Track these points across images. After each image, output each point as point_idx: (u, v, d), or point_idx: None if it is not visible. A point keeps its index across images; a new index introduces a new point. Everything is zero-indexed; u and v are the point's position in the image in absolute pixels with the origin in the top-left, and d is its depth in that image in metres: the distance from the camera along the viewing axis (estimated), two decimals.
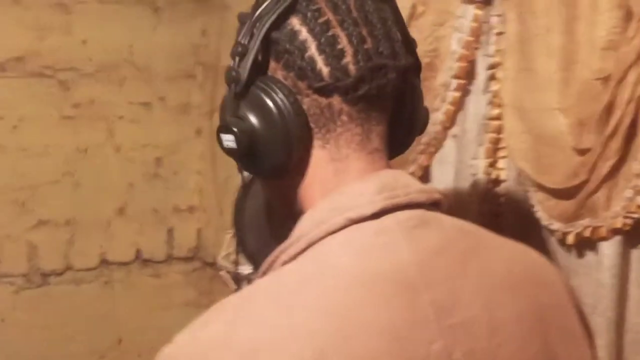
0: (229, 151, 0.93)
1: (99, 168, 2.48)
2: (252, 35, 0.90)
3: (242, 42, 0.90)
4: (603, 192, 1.29)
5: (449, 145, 1.56)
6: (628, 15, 1.24)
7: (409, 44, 0.96)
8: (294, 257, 0.87)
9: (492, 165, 1.51)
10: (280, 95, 0.89)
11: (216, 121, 2.60)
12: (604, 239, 1.30)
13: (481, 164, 1.51)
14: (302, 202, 0.93)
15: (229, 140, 0.91)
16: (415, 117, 0.99)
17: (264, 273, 0.90)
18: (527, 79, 1.39)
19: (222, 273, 1.43)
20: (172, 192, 2.61)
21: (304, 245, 0.86)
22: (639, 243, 1.28)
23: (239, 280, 1.40)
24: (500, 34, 1.45)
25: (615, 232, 1.29)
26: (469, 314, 0.84)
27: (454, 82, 1.51)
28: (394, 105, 0.95)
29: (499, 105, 1.47)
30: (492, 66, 1.48)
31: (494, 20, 1.47)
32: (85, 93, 2.45)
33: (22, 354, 2.41)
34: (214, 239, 2.55)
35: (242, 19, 0.93)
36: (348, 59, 0.88)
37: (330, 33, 0.88)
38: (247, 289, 0.87)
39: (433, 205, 0.90)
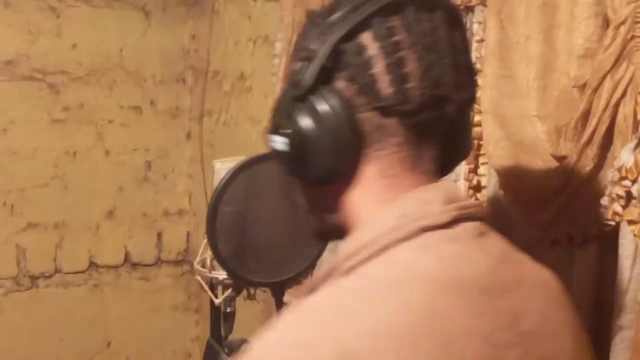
0: (277, 153, 0.92)
1: (89, 171, 2.49)
2: (321, 43, 0.88)
3: (311, 47, 0.88)
4: (579, 200, 1.29)
5: None
6: (605, 23, 1.24)
7: (472, 74, 0.97)
8: (362, 263, 0.85)
9: (473, 171, 1.51)
10: (338, 106, 0.88)
11: (206, 125, 2.62)
12: (581, 246, 1.30)
13: (462, 169, 1.51)
14: (350, 210, 0.92)
15: (279, 142, 0.91)
16: (462, 145, 1.00)
17: (325, 278, 0.88)
18: (506, 86, 1.39)
19: (198, 278, 1.43)
20: (161, 195, 2.62)
21: (375, 250, 0.85)
22: (615, 250, 1.26)
23: (214, 285, 1.40)
24: (480, 41, 1.45)
25: (591, 239, 1.29)
26: (534, 322, 0.87)
27: None
28: (446, 131, 0.95)
29: (480, 112, 1.45)
30: None
31: (475, 27, 1.47)
32: (75, 97, 2.46)
33: (10, 356, 2.42)
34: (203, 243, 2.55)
35: (311, 18, 0.92)
36: (413, 84, 0.87)
37: (399, 54, 0.87)
38: (329, 291, 0.84)
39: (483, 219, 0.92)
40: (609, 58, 1.20)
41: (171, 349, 2.69)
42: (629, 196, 1.22)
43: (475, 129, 1.48)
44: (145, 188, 2.59)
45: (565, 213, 1.31)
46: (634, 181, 1.20)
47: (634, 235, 1.21)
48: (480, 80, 1.45)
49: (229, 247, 1.25)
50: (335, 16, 0.88)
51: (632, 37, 1.18)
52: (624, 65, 1.19)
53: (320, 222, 0.96)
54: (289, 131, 0.89)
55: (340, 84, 0.88)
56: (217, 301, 1.40)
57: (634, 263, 1.23)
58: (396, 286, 0.82)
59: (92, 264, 2.54)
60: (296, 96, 0.89)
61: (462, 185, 1.51)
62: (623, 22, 1.18)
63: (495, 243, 0.90)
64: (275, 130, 0.91)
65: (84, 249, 2.52)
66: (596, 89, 1.22)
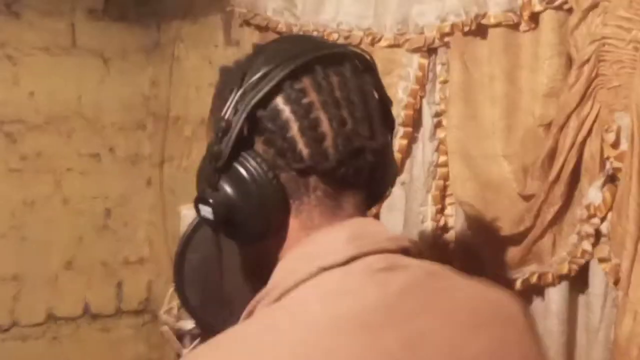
0: (206, 221, 0.94)
1: (47, 221, 2.44)
2: (236, 111, 0.91)
3: (227, 117, 0.90)
4: (548, 238, 1.29)
5: (398, 192, 1.54)
6: (568, 63, 1.26)
7: (386, 117, 0.98)
8: (266, 305, 0.88)
9: (440, 211, 1.50)
10: (259, 170, 0.90)
11: (167, 171, 2.59)
12: (551, 284, 1.30)
13: (429, 210, 1.51)
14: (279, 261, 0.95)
15: (206, 211, 0.93)
16: (385, 178, 1.01)
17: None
18: (471, 126, 1.40)
19: (164, 329, 1.39)
20: (121, 244, 2.58)
21: (277, 295, 0.87)
22: (586, 288, 1.27)
23: (182, 336, 1.36)
24: (445, 82, 1.46)
25: (561, 277, 1.29)
26: (434, 351, 0.85)
27: (401, 130, 1.51)
28: (368, 175, 0.96)
29: (446, 152, 1.46)
30: (438, 114, 1.48)
31: (439, 68, 1.48)
32: (33, 145, 2.42)
33: None
34: (165, 291, 2.49)
35: (226, 75, 0.95)
36: (328, 142, 0.89)
37: (312, 115, 0.90)
38: (218, 336, 0.86)
39: (402, 251, 0.92)
40: (574, 96, 1.21)
41: None
42: (598, 234, 1.23)
43: (441, 170, 1.49)
44: (105, 236, 2.55)
45: (535, 252, 1.31)
46: (602, 219, 1.21)
47: (606, 273, 1.21)
48: (445, 121, 1.47)
49: (197, 296, 1.22)
50: (248, 83, 0.91)
51: (597, 75, 1.20)
52: (589, 103, 1.21)
53: (259, 278, 0.95)
54: (213, 201, 0.92)
55: (260, 148, 0.91)
56: (184, 351, 1.36)
57: (604, 301, 1.23)
58: (274, 328, 0.84)
59: (51, 316, 2.48)
60: (217, 167, 0.92)
61: (429, 226, 1.51)
62: (587, 61, 1.20)
63: (401, 275, 0.89)
64: (201, 199, 0.93)
65: (42, 300, 2.46)
66: (562, 128, 1.23)
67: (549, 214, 1.27)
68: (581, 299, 1.30)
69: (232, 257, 1.26)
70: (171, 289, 1.36)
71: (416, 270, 0.91)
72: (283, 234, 0.93)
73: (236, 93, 0.91)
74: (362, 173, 0.92)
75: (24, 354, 2.44)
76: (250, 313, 0.91)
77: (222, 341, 0.85)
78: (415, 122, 1.52)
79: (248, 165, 0.90)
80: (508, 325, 0.94)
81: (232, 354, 0.82)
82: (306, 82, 0.91)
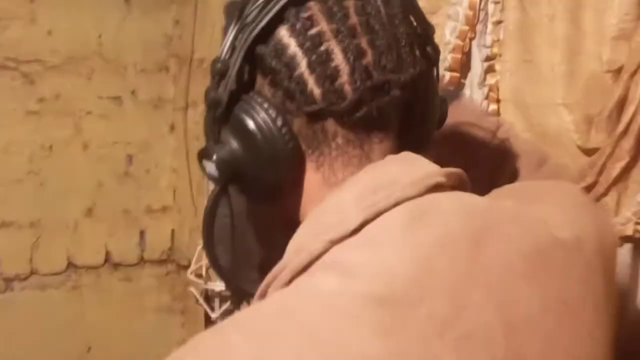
0: (211, 178, 0.85)
1: (66, 166, 2.37)
2: (233, 50, 0.80)
3: (223, 57, 0.81)
4: (612, 196, 1.18)
5: None
6: None
7: (418, 41, 0.85)
8: (285, 284, 0.76)
9: None
10: (265, 116, 0.79)
11: (191, 116, 2.50)
12: None
13: None
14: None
15: (210, 167, 0.84)
16: (427, 116, 0.89)
17: (265, 289, 0.81)
18: (528, 71, 1.29)
19: (192, 289, 1.30)
20: (144, 191, 2.51)
21: (287, 277, 0.75)
22: None
23: (210, 298, 1.27)
24: (498, 22, 1.35)
25: (625, 239, 1.18)
26: (479, 320, 0.72)
27: (448, 75, 1.41)
28: (401, 115, 0.84)
29: (497, 100, 1.36)
30: (489, 58, 1.38)
31: (492, 7, 1.37)
32: (51, 87, 2.34)
33: None
34: (188, 241, 2.46)
35: (228, 11, 0.89)
36: (344, 78, 0.78)
37: (322, 48, 0.78)
38: (223, 322, 0.76)
39: (432, 190, 0.77)
40: None
41: (155, 353, 2.56)
42: None
43: None
44: (126, 183, 2.47)
45: None
46: None
47: None
48: (498, 66, 1.36)
49: (228, 256, 1.11)
50: (247, 15, 0.80)
51: None
52: None
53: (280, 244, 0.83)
54: (216, 156, 0.82)
55: (267, 90, 0.81)
56: (213, 315, 1.27)
57: None
58: (284, 312, 0.72)
59: (71, 265, 2.42)
60: (216, 116, 0.82)
61: None
62: None
63: (432, 229, 0.75)
64: (204, 154, 0.84)
65: (62, 249, 2.40)
66: (633, 74, 1.11)
67: (614, 169, 1.16)
68: None
69: (266, 215, 1.16)
70: (199, 248, 1.26)
71: (451, 215, 0.75)
72: (300, 191, 0.82)
73: (233, 28, 0.80)
74: (388, 112, 0.81)
75: (42, 303, 2.39)
76: (263, 295, 0.79)
77: (225, 328, 0.74)
78: (464, 66, 1.41)
79: (252, 112, 0.80)
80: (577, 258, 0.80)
81: (234, 344, 0.70)
82: (314, 8, 0.79)
